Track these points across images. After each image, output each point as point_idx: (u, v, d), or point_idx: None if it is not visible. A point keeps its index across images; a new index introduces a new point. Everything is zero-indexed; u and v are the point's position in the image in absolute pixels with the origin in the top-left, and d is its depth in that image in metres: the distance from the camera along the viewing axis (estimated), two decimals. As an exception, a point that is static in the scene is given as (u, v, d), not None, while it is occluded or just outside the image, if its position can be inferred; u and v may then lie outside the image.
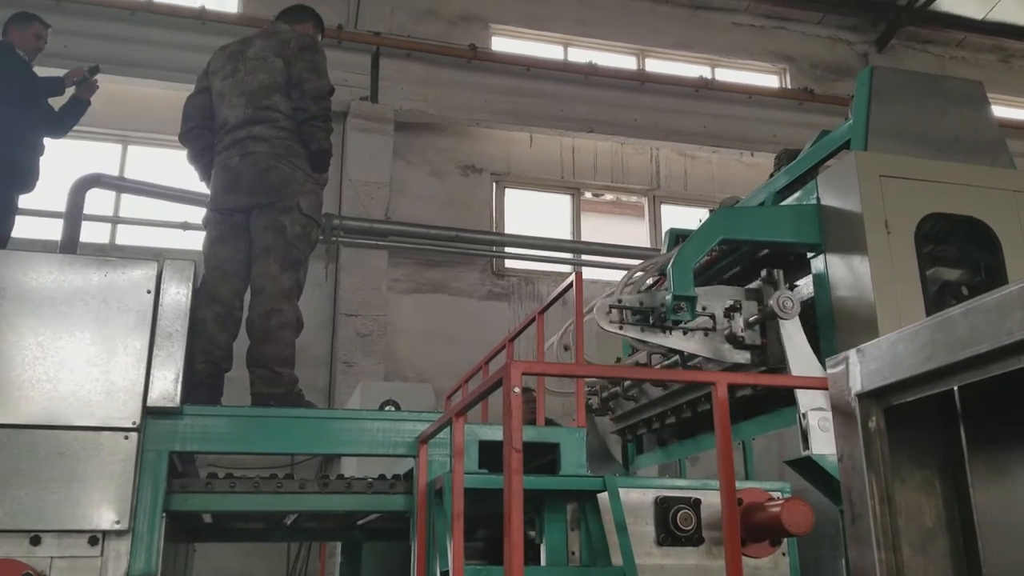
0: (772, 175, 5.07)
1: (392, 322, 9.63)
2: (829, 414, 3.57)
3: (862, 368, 2.05)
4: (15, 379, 3.14)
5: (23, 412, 3.11)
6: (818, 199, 4.15)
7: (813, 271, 4.12)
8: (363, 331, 9.37)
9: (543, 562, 3.37)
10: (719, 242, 4.11)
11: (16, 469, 3.03)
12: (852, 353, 2.09)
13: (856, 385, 2.07)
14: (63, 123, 5.91)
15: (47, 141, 5.78)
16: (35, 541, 3.01)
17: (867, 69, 4.51)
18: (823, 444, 3.48)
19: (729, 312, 4.07)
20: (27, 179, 5.63)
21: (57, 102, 5.91)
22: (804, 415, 3.60)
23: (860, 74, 4.50)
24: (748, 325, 4.04)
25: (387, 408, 6.31)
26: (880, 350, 1.99)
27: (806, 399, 3.62)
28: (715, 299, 4.11)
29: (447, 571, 3.03)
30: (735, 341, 4.04)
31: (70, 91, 5.92)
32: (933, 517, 2.02)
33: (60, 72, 5.89)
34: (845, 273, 3.92)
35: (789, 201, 4.42)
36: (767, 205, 4.63)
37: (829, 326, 3.93)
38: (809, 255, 4.16)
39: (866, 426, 2.06)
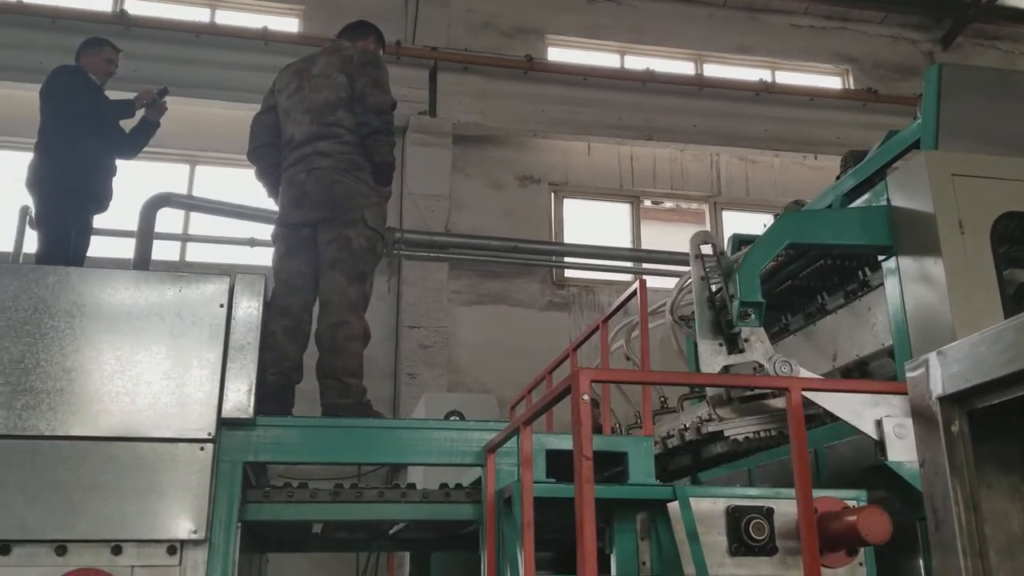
0: (839, 177, 4.98)
1: (454, 333, 9.69)
2: (905, 420, 3.48)
3: (943, 371, 1.99)
4: (94, 392, 3.23)
5: (102, 425, 3.20)
6: (888, 200, 4.06)
7: (885, 274, 4.03)
8: (426, 343, 9.45)
9: (613, 573, 3.34)
10: (786, 246, 4.04)
11: (98, 481, 3.11)
12: (932, 356, 2.04)
13: (937, 388, 2.01)
14: (134, 144, 6.09)
15: (119, 162, 5.96)
16: (116, 551, 3.08)
17: (935, 66, 4.39)
18: (900, 451, 3.39)
19: None
20: (101, 200, 5.81)
21: (128, 124, 6.09)
22: (879, 422, 3.51)
23: (928, 71, 4.39)
24: None
25: (452, 418, 6.34)
26: (962, 352, 1.93)
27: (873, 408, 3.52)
28: None
29: (518, 580, 3.02)
30: None
31: (140, 113, 6.09)
32: (1022, 523, 1.95)
33: (130, 95, 6.07)
34: (918, 275, 3.82)
35: (858, 203, 4.34)
36: (834, 208, 4.54)
37: (903, 330, 3.83)
38: (880, 258, 4.07)
39: (948, 431, 2.00)
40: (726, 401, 3.69)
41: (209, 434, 3.22)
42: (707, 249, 3.87)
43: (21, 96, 8.12)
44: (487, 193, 10.47)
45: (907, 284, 3.86)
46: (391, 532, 4.66)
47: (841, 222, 4.08)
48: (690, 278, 4.41)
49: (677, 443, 3.84)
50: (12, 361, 3.21)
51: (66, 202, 5.59)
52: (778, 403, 3.65)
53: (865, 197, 4.30)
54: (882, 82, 11.57)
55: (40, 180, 5.56)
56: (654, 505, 3.37)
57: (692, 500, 3.31)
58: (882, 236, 3.99)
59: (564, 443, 3.64)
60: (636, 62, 11.19)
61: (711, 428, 3.58)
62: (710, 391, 3.68)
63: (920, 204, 3.88)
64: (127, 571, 3.07)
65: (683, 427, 3.81)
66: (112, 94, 6.07)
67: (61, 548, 3.06)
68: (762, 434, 3.65)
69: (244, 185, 8.76)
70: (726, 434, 3.61)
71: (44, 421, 3.15)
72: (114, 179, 5.89)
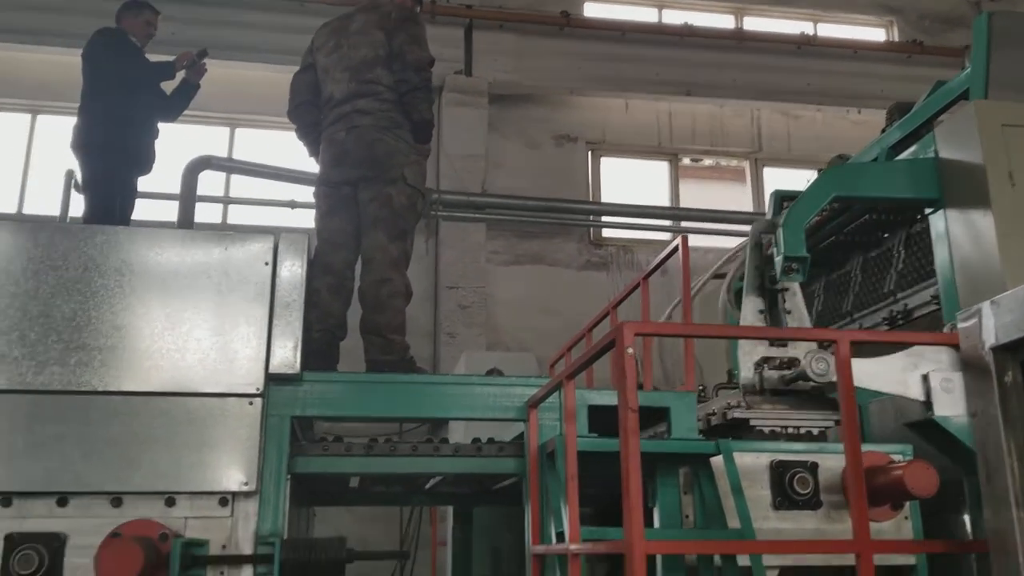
0: (884, 130, 4.88)
1: (492, 293, 9.72)
2: (953, 374, 3.44)
3: (996, 321, 1.97)
4: (146, 349, 3.29)
5: (154, 380, 3.26)
6: (936, 152, 3.98)
7: (932, 228, 3.97)
8: (464, 303, 9.50)
9: (657, 525, 3.36)
10: (832, 200, 3.98)
11: (151, 435, 3.18)
12: (985, 306, 2.01)
13: (990, 338, 2.00)
14: (175, 107, 6.12)
15: (161, 125, 6.00)
16: (170, 502, 3.16)
17: (984, 15, 4.28)
18: (947, 406, 3.36)
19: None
20: (144, 162, 5.85)
21: (168, 87, 6.13)
22: (925, 377, 3.47)
23: (977, 20, 4.28)
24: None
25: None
26: (1015, 301, 1.91)
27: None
28: None
29: (562, 532, 3.06)
30: None
31: (180, 76, 6.12)
32: (1076, 475, 1.93)
33: (170, 58, 6.10)
34: (966, 228, 3.75)
35: (904, 156, 4.26)
36: (880, 161, 4.46)
37: (951, 285, 3.78)
38: (927, 211, 4.00)
39: (1002, 381, 1.98)
40: (759, 391, 3.65)
41: (257, 389, 3.28)
42: (767, 239, 3.83)
43: (64, 61, 8.21)
44: (524, 153, 10.43)
45: (955, 237, 3.80)
46: (427, 487, 4.73)
47: (888, 175, 4.01)
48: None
49: (702, 427, 3.82)
50: (64, 319, 3.28)
51: (110, 164, 5.64)
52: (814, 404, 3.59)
53: (912, 149, 4.22)
54: (928, 33, 11.27)
55: (84, 143, 5.62)
56: (697, 460, 3.38)
57: (736, 455, 3.31)
58: (930, 189, 3.92)
59: (605, 399, 3.65)
60: (674, 16, 11.01)
61: (736, 415, 3.55)
62: (743, 379, 3.65)
63: (969, 155, 3.80)
64: (181, 522, 3.14)
65: (711, 412, 3.79)
66: (152, 57, 6.10)
67: (117, 500, 3.14)
68: (790, 430, 3.60)
69: (284, 147, 8.84)
70: (751, 423, 3.58)
71: (97, 377, 3.23)
72: (156, 141, 5.94)
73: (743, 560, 3.08)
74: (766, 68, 10.59)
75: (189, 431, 3.21)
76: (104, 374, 3.24)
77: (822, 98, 10.68)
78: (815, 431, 3.57)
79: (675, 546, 3.05)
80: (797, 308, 3.77)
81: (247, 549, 3.13)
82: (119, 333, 3.30)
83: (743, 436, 3.54)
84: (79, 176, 5.97)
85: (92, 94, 5.68)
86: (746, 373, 3.61)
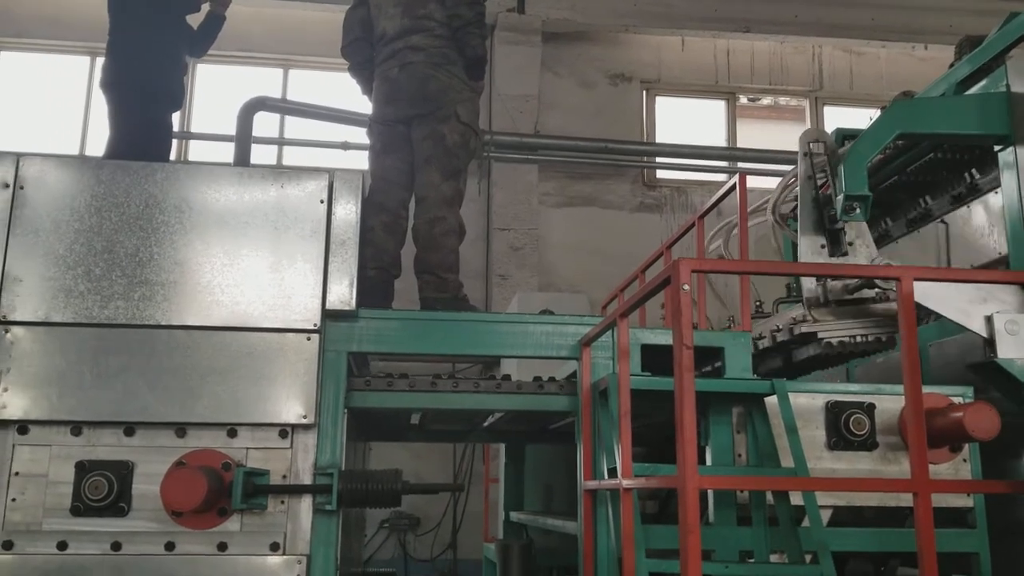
0: (952, 65, 4.70)
1: (544, 235, 9.71)
2: (1018, 316, 3.36)
3: (1069, 257, 1.91)
4: (206, 284, 3.36)
5: (214, 315, 3.33)
6: (1008, 86, 3.82)
7: (1001, 164, 3.83)
8: (516, 245, 9.51)
9: (709, 462, 3.37)
10: (896, 137, 3.86)
11: (212, 368, 3.26)
12: (1058, 241, 1.94)
13: (1062, 274, 1.93)
14: (203, 41, 5.95)
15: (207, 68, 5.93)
16: (232, 433, 3.25)
17: (1065, -60, 4.06)
18: (1011, 348, 3.28)
19: None
20: (175, 98, 5.73)
21: (195, 22, 5.98)
22: (989, 318, 3.39)
23: (1057, -54, 4.07)
24: None
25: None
26: (1091, 236, 1.84)
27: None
28: None
29: (614, 468, 3.08)
30: None
31: (206, 8, 5.97)
32: None
33: None
34: (1038, 165, 3.62)
35: (973, 91, 4.10)
36: (948, 96, 4.30)
37: (1020, 223, 3.66)
38: (996, 148, 3.86)
39: (1072, 318, 1.92)
40: (823, 303, 3.59)
41: (315, 325, 3.33)
42: (817, 148, 3.73)
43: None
44: (577, 92, 10.31)
45: (1026, 175, 3.67)
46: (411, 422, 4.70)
47: (956, 110, 3.87)
48: (793, 177, 4.28)
49: (768, 344, 3.79)
50: (128, 255, 3.35)
51: (140, 102, 5.50)
52: (879, 307, 3.53)
53: (982, 84, 4.06)
54: (1002, -36, 10.77)
55: (112, 81, 5.41)
56: (750, 399, 3.36)
57: (790, 395, 3.29)
58: (1000, 124, 3.77)
59: (658, 338, 3.65)
60: (734, -51, 10.68)
61: (804, 329, 3.51)
62: (806, 292, 3.59)
63: (1044, 90, 3.64)
64: (242, 453, 3.23)
65: (776, 328, 3.75)
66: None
67: (181, 430, 3.24)
68: (858, 339, 3.54)
69: (337, 89, 8.84)
70: (820, 336, 3.53)
71: (160, 311, 3.30)
72: (185, 77, 5.80)
73: (796, 499, 3.08)
74: (829, 3, 10.23)
75: (249, 365, 3.28)
76: (166, 308, 3.31)
77: (887, 33, 10.31)
78: (883, 337, 3.50)
79: (728, 481, 3.05)
80: (863, 235, 3.68)
81: (306, 479, 3.22)
82: (180, 268, 3.36)
83: (809, 350, 3.53)
84: (107, 112, 5.51)
85: (119, 31, 5.52)
86: (809, 285, 3.57)
